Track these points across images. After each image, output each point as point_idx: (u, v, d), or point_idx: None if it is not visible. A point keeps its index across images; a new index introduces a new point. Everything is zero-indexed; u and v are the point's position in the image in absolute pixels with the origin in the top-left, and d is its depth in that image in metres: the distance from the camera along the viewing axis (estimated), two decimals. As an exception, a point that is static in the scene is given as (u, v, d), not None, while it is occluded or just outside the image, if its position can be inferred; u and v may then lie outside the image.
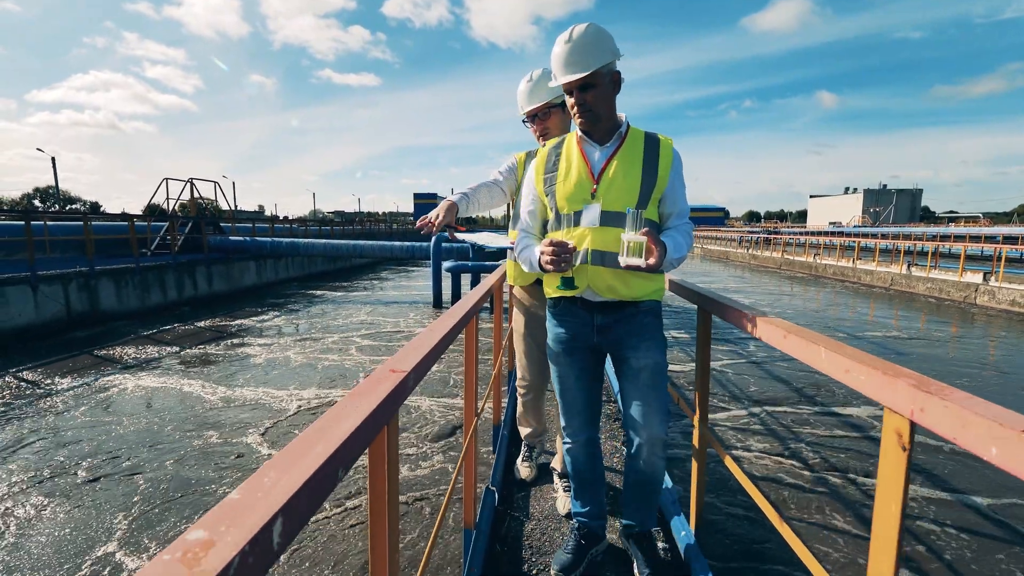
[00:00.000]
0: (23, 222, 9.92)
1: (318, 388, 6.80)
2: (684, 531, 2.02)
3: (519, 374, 2.53)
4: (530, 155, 2.31)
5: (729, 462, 1.65)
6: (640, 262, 1.44)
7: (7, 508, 3.94)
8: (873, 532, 0.91)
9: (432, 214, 1.90)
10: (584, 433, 1.84)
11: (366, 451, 0.80)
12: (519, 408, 2.63)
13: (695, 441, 1.93)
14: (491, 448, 3.12)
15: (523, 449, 2.73)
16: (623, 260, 1.46)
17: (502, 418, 3.22)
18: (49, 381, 6.91)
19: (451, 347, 1.34)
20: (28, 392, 6.50)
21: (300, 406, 6.13)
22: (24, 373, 7.24)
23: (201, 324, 10.86)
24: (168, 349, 8.73)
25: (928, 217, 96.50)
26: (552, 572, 1.91)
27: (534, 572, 1.99)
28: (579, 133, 1.65)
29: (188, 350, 8.70)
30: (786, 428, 5.54)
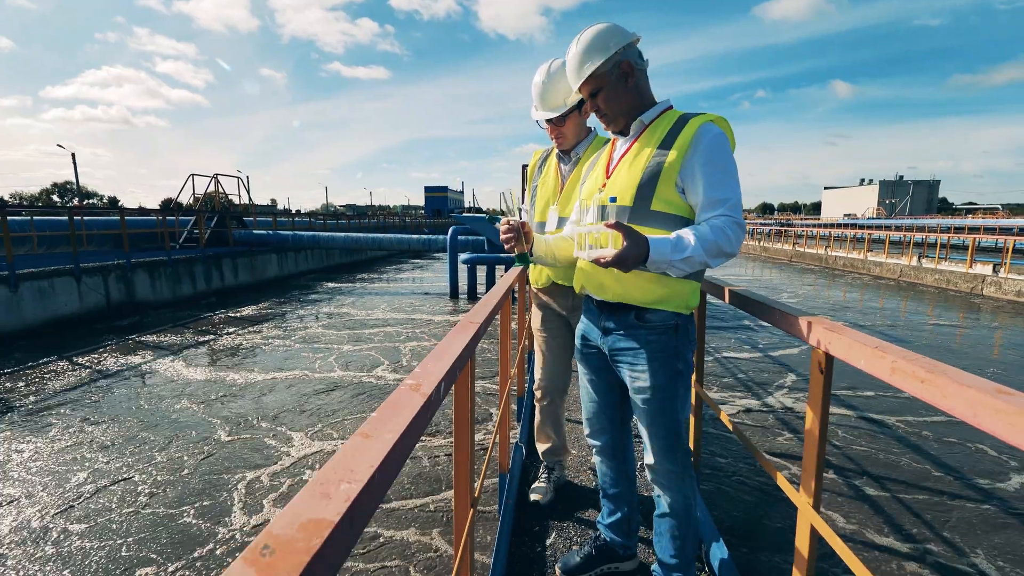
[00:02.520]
0: (65, 217, 10.52)
1: (350, 371, 7.27)
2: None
3: (536, 376, 2.47)
4: (545, 153, 2.31)
5: (723, 416, 2.04)
6: (583, 254, 1.36)
7: (107, 459, 4.46)
8: (805, 434, 1.30)
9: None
10: (601, 438, 1.80)
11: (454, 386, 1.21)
12: (536, 417, 2.50)
13: (692, 399, 2.32)
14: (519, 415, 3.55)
15: (541, 470, 2.55)
16: (575, 252, 1.43)
17: (526, 389, 3.63)
18: (99, 364, 7.47)
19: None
20: (84, 374, 7.06)
21: (332, 387, 6.61)
22: (77, 358, 7.82)
23: (230, 314, 11.42)
24: (202, 337, 9.27)
25: (946, 209, 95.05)
26: (557, 569, 1.96)
27: (559, 507, 2.42)
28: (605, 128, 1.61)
29: (221, 338, 9.23)
30: (755, 378, 6.03)
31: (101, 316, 10.16)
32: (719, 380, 6.93)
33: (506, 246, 1.61)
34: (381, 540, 3.56)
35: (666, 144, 1.39)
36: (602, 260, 1.29)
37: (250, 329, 9.94)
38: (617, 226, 1.26)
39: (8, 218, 9.08)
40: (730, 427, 1.91)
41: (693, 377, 2.30)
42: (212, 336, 9.34)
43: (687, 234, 1.31)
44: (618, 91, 1.47)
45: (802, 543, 1.31)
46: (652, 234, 1.33)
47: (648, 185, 1.39)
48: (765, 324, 9.73)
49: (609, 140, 1.77)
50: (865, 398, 6.21)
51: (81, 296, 9.69)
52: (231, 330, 9.84)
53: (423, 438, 4.84)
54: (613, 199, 1.42)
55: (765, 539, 3.59)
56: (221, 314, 11.37)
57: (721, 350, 8.33)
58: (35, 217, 11.11)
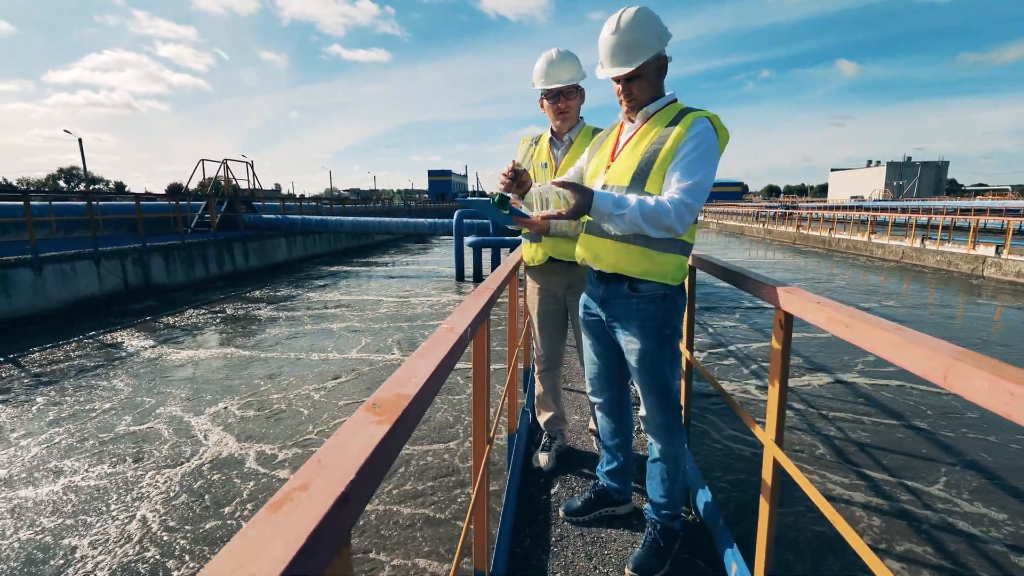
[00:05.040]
0: (78, 202, 10.77)
1: (365, 352, 7.56)
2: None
3: (535, 352, 2.62)
4: (534, 139, 2.41)
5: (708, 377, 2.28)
6: (542, 212, 1.54)
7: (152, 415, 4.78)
8: (769, 380, 1.54)
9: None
10: (602, 396, 1.97)
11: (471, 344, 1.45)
12: (537, 390, 2.68)
13: (683, 364, 2.56)
14: (532, 388, 3.82)
15: (544, 438, 2.71)
16: (534, 212, 1.59)
17: (531, 364, 3.89)
18: (125, 343, 7.80)
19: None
20: (112, 351, 7.38)
21: (348, 368, 6.90)
22: (101, 337, 8.16)
23: (243, 295, 11.73)
24: (220, 317, 9.59)
25: (954, 190, 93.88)
26: (560, 511, 2.18)
27: (561, 467, 2.67)
28: (624, 113, 1.70)
29: (238, 319, 9.54)
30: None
31: (119, 298, 10.48)
32: (712, 351, 7.18)
33: (500, 183, 1.71)
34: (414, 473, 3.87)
35: (664, 135, 1.54)
36: (557, 213, 1.49)
37: (265, 311, 10.23)
38: (563, 184, 1.47)
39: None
40: (715, 387, 2.15)
41: (684, 343, 2.53)
42: (230, 317, 9.64)
43: (632, 197, 1.48)
44: (653, 83, 1.60)
45: (767, 474, 1.56)
46: None
47: (644, 171, 1.56)
48: (758, 308, 9.99)
49: (599, 130, 1.94)
50: (836, 369, 6.46)
51: (101, 279, 10.01)
52: (247, 311, 10.14)
53: (435, 444, 5.16)
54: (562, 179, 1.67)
55: (743, 483, 4.15)
56: (234, 296, 11.67)
57: (718, 328, 8.57)
58: (53, 203, 11.40)
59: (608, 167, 1.68)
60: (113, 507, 3.80)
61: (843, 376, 6.47)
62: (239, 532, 0.40)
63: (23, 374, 6.50)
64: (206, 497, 3.91)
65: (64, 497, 3.91)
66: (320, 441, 4.76)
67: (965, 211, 32.58)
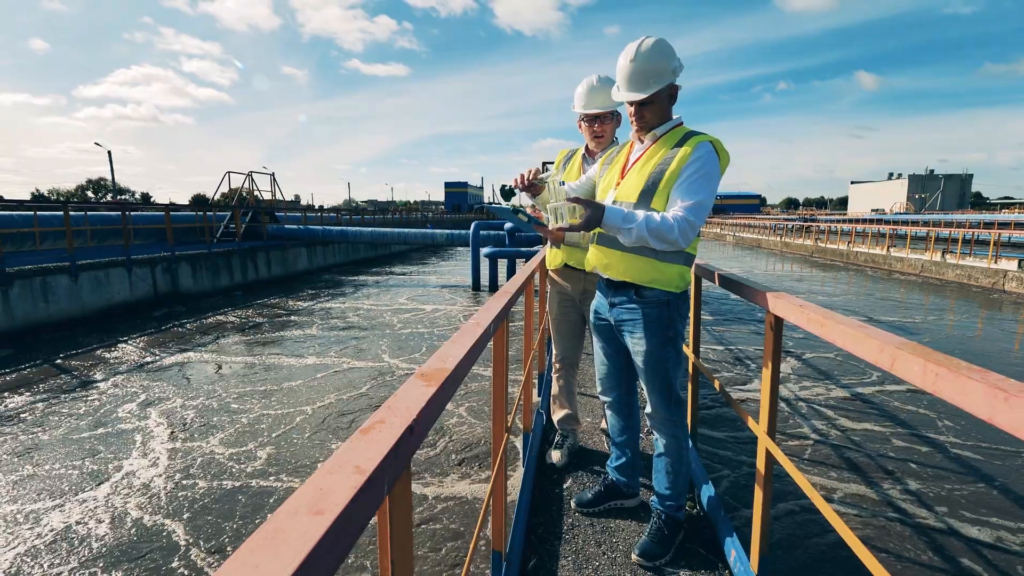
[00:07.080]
0: (119, 213, 11.25)
1: (393, 358, 7.78)
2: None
3: (553, 351, 2.78)
4: (570, 153, 2.59)
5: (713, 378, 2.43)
6: (557, 225, 1.71)
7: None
8: (761, 377, 1.69)
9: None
10: (611, 395, 2.11)
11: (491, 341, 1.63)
12: (554, 389, 2.82)
13: (690, 368, 2.71)
14: (547, 389, 3.98)
15: (556, 436, 2.83)
16: (550, 226, 1.75)
17: (546, 366, 4.05)
18: (159, 347, 8.14)
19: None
20: (149, 355, 7.72)
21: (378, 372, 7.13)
22: (135, 341, 8.52)
23: (267, 303, 12.09)
24: (247, 322, 9.91)
25: (980, 203, 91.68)
26: (572, 503, 2.34)
27: (573, 463, 2.82)
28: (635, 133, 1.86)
29: (263, 323, 9.86)
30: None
31: (149, 304, 10.90)
32: (714, 352, 7.26)
33: (514, 180, 1.92)
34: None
35: (670, 156, 1.69)
36: (570, 225, 1.67)
37: (287, 317, 10.54)
38: (576, 200, 1.65)
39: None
40: (717, 387, 2.30)
41: (689, 347, 2.68)
42: (255, 322, 9.97)
43: (640, 212, 1.65)
44: (663, 108, 1.76)
45: (760, 464, 1.70)
46: None
47: (651, 189, 1.71)
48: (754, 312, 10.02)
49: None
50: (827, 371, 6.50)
51: (132, 286, 10.44)
52: (271, 317, 10.46)
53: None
54: (562, 181, 1.87)
55: (745, 477, 4.39)
56: (259, 304, 12.02)
57: (719, 331, 8.64)
58: (88, 213, 11.94)
59: (618, 183, 1.82)
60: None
61: (849, 386, 6.51)
62: (344, 442, 0.58)
63: (57, 373, 6.85)
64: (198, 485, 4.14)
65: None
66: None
67: (988, 225, 31.94)
